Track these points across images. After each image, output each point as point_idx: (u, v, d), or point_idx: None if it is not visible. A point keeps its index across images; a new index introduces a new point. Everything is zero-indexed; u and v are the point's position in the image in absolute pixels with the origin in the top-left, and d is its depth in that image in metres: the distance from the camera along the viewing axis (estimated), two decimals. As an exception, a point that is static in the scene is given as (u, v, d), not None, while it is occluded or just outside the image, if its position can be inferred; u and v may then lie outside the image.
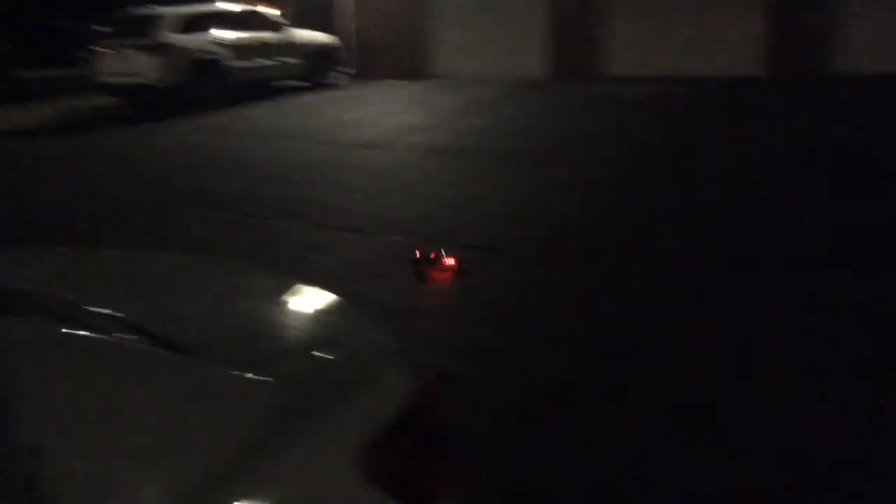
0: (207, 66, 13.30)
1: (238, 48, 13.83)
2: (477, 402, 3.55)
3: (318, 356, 1.50)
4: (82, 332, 1.48)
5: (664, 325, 4.32)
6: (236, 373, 1.35)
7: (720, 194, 6.84)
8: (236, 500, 1.13)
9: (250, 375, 1.34)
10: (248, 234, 6.24)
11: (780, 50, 13.25)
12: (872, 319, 4.15)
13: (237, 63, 13.75)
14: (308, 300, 1.85)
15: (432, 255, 5.06)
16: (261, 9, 14.87)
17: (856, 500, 2.77)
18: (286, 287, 1.97)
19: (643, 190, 7.15)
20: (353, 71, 16.57)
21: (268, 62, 14.44)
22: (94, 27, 13.59)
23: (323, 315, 1.73)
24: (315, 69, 15.40)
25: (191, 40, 13.24)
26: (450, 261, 5.03)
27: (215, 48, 13.52)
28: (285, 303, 1.86)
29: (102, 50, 13.40)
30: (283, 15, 15.56)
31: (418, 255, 5.09)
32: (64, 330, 1.50)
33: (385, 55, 16.39)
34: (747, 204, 6.51)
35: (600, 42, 14.63)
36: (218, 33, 13.66)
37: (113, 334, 1.47)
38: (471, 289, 4.98)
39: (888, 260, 4.98)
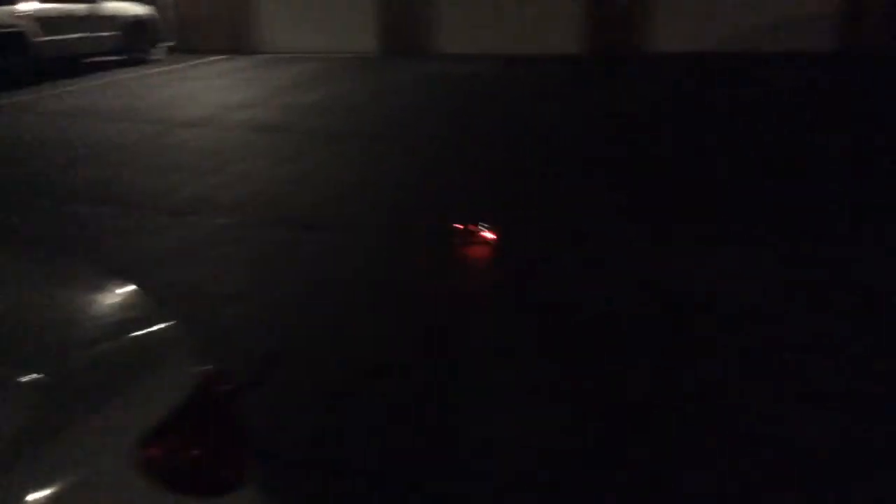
0: (9, 41, 12.32)
1: (44, 21, 12.89)
2: (295, 382, 3.56)
3: (95, 348, 1.43)
4: None
5: (478, 302, 4.43)
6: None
7: (538, 168, 7.09)
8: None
9: (11, 373, 1.27)
10: (56, 222, 5.88)
11: (596, 29, 13.83)
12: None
13: (43, 37, 12.83)
14: (95, 288, 1.76)
15: (472, 228, 4.98)
16: (69, -22, 13.94)
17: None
18: (72, 275, 1.88)
19: (467, 166, 7.28)
20: (173, 45, 15.87)
21: (78, 36, 13.56)
22: None
23: (108, 304, 1.66)
24: (131, 43, 14.63)
25: (-11, 12, 12.24)
26: (489, 235, 4.95)
27: (18, 21, 12.53)
28: (69, 292, 1.76)
29: None
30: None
31: (458, 227, 5.03)
32: None
33: (208, 28, 15.81)
34: (558, 176, 6.80)
35: (429, 19, 14.73)
36: (21, 5, 12.67)
37: None
38: (294, 269, 4.92)
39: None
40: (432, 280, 4.69)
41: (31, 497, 1.11)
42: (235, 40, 15.60)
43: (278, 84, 12.09)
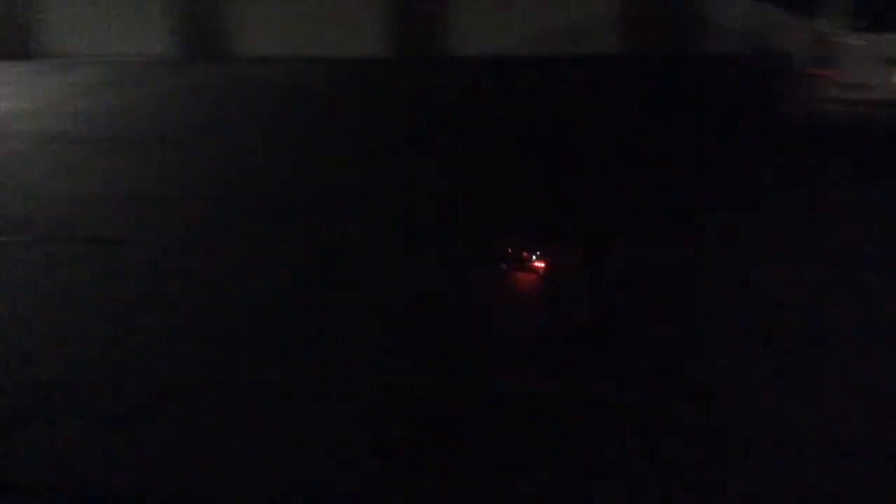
0: None
1: None
2: (76, 407, 3.49)
3: None
4: None
5: (270, 317, 4.45)
6: None
7: (330, 177, 7.18)
8: None
9: None
10: None
11: (402, 32, 13.98)
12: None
13: None
14: None
15: (524, 254, 4.94)
16: None
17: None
18: None
19: (269, 176, 7.20)
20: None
21: None
22: None
23: None
24: None
25: None
26: (539, 264, 4.88)
27: None
28: None
29: None
30: None
31: (510, 251, 4.98)
32: None
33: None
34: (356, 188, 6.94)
35: (229, 20, 14.35)
36: None
37: None
38: (79, 288, 4.77)
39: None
40: (225, 295, 4.71)
41: None
42: (13, 44, 14.56)
43: (65, 90, 11.46)
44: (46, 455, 3.12)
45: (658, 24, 13.30)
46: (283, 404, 3.50)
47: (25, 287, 4.77)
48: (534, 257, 4.93)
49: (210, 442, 3.24)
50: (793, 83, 8.04)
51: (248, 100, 10.77)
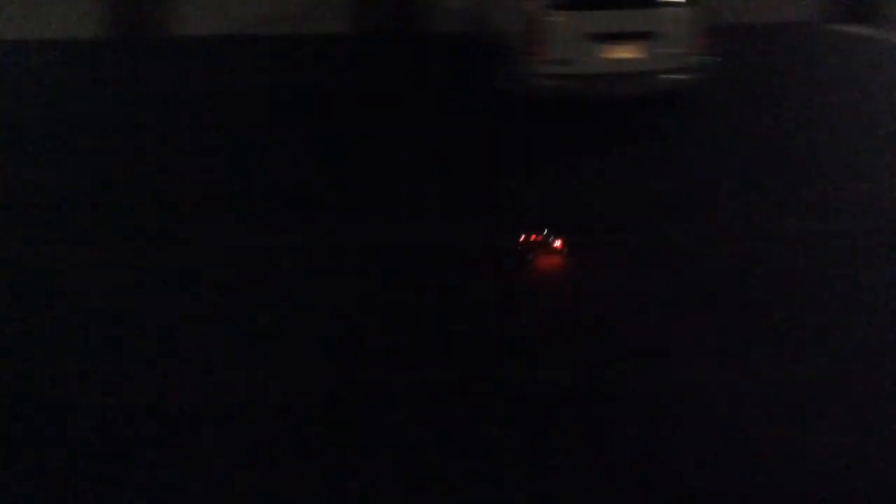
0: None
1: None
2: None
3: None
4: None
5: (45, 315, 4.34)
6: None
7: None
8: None
9: None
10: None
11: (115, 11, 13.15)
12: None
13: None
14: None
15: (538, 239, 4.93)
16: None
17: None
18: None
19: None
20: None
21: None
22: None
23: None
24: None
25: None
26: (556, 244, 4.90)
27: None
28: None
29: None
30: None
31: (522, 239, 4.96)
32: None
33: None
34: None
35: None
36: None
37: None
38: None
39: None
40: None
41: None
42: None
43: None
44: None
45: (386, 4, 13.24)
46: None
47: None
48: (549, 240, 4.89)
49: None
50: (505, 61, 8.30)
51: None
